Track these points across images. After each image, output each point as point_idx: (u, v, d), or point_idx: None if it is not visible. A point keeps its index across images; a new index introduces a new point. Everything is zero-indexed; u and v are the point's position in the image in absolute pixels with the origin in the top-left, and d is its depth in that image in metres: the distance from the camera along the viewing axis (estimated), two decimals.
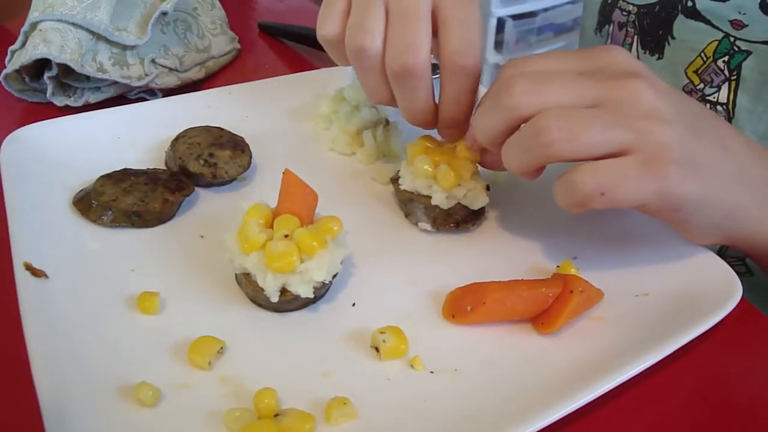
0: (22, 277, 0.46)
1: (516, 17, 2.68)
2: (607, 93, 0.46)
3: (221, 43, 0.84)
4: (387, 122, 0.64)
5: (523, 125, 0.47)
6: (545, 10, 2.72)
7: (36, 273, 0.47)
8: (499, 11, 2.60)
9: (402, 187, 0.55)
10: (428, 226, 0.55)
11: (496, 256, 0.54)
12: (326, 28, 0.56)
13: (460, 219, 0.55)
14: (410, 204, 0.55)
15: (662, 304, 0.50)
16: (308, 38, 0.86)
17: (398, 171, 0.57)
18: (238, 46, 0.86)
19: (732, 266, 0.52)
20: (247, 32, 0.91)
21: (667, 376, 0.45)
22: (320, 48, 0.82)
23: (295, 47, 0.88)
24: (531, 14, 2.70)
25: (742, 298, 0.49)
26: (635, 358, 0.44)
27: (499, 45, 2.69)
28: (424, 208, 0.54)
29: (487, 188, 0.55)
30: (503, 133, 0.48)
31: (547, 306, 0.47)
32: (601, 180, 0.45)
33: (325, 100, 0.66)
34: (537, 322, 0.47)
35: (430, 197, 0.54)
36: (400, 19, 0.51)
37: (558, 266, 0.52)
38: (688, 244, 0.53)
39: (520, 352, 0.46)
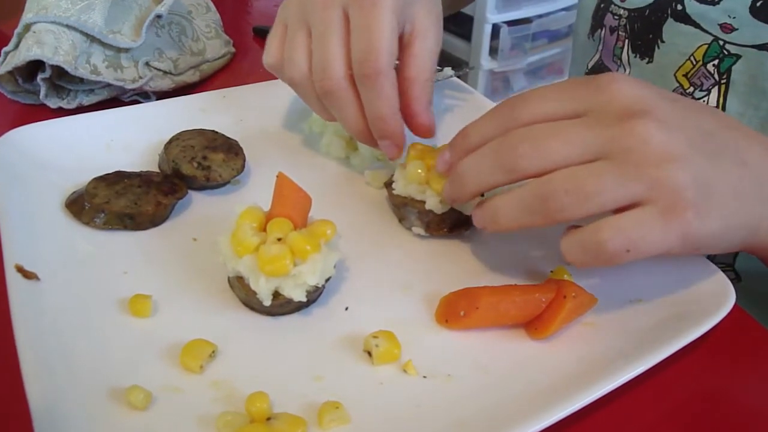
0: (13, 279, 0.46)
1: (511, 23, 2.69)
2: (613, 142, 0.44)
3: (216, 46, 0.84)
4: None
5: (524, 183, 0.46)
6: (540, 16, 2.73)
7: (27, 275, 0.47)
8: (494, 17, 2.61)
9: (395, 192, 0.55)
10: (422, 231, 0.55)
11: (489, 261, 0.54)
12: (267, 57, 0.60)
13: (453, 224, 0.55)
14: (404, 208, 0.55)
15: (655, 310, 0.50)
16: None
17: (392, 175, 0.57)
18: (233, 49, 0.86)
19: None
20: (242, 36, 0.91)
21: (659, 382, 0.45)
22: None
23: None
24: (526, 20, 2.71)
25: (735, 304, 0.49)
26: (627, 365, 0.44)
27: (494, 51, 2.69)
28: (417, 213, 0.54)
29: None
30: (501, 184, 0.47)
31: (540, 311, 0.47)
32: (626, 238, 0.43)
33: None
34: (530, 328, 0.47)
35: (423, 202, 0.54)
36: (318, 40, 0.54)
37: (551, 271, 0.52)
38: None
39: (513, 358, 0.46)
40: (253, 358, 0.45)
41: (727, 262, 0.71)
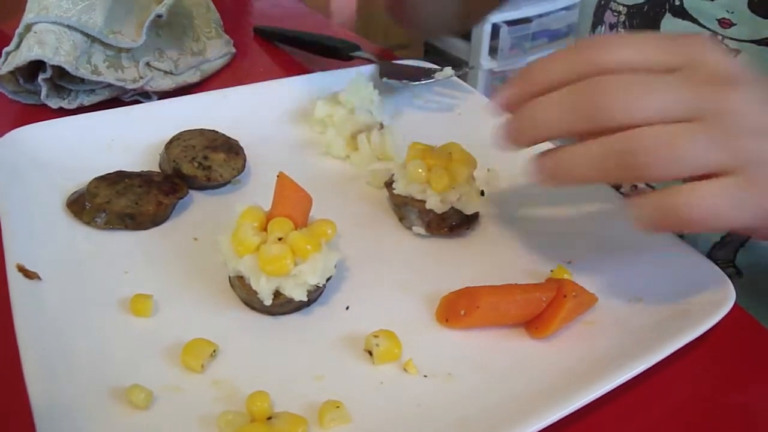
0: (14, 279, 0.46)
1: (511, 23, 2.69)
2: (709, 104, 0.42)
3: (216, 46, 0.84)
4: (381, 126, 0.64)
5: (609, 136, 0.43)
6: (540, 16, 2.73)
7: (29, 275, 0.47)
8: (494, 17, 2.61)
9: (396, 191, 0.55)
10: (422, 230, 0.55)
11: (490, 260, 0.54)
12: None
13: (454, 223, 0.55)
14: (404, 208, 0.55)
15: (655, 309, 0.50)
16: (303, 42, 0.86)
17: (392, 175, 0.57)
18: (233, 49, 0.86)
19: (722, 269, 0.52)
20: (243, 36, 0.91)
21: (660, 381, 0.46)
22: (315, 52, 0.83)
23: (290, 51, 0.87)
24: (526, 20, 2.71)
25: (735, 303, 0.49)
26: (627, 364, 0.44)
27: (493, 51, 2.70)
28: (418, 212, 0.54)
29: (482, 193, 0.55)
30: (573, 132, 0.44)
31: (540, 310, 0.47)
32: (708, 205, 0.41)
33: (320, 104, 0.66)
34: (530, 327, 0.48)
35: (424, 201, 0.54)
36: None
37: (552, 271, 0.52)
38: (681, 248, 0.53)
39: (513, 357, 0.46)
40: (254, 358, 0.45)
41: (727, 258, 0.71)
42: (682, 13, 0.68)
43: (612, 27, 0.76)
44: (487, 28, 2.62)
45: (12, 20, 0.93)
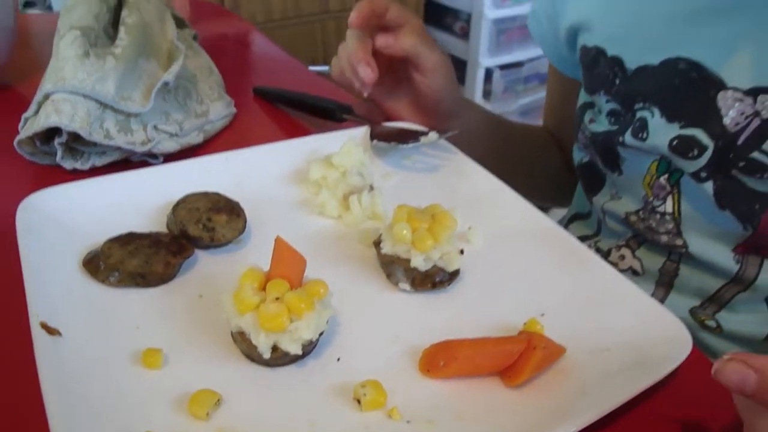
0: (38, 335, 0.51)
1: (503, 67, 2.77)
2: None
3: (218, 107, 0.89)
4: (371, 188, 0.70)
5: None
6: (531, 60, 2.81)
7: (51, 331, 0.52)
8: (487, 61, 2.68)
9: (383, 251, 0.61)
10: (407, 287, 0.60)
11: (469, 314, 0.59)
12: None
13: (436, 280, 0.60)
14: (391, 266, 0.60)
15: (621, 358, 0.55)
16: (298, 103, 0.92)
17: (380, 235, 0.62)
18: (234, 110, 0.92)
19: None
20: (243, 96, 0.97)
21: (627, 423, 0.50)
22: (310, 113, 0.89)
23: (287, 111, 0.93)
24: (517, 64, 2.79)
25: (694, 349, 0.54)
26: (593, 408, 0.49)
27: (487, 94, 2.77)
28: (403, 270, 0.60)
29: (461, 252, 0.61)
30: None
31: (512, 361, 0.52)
32: None
33: (315, 167, 0.71)
34: (504, 376, 0.52)
35: (409, 260, 0.59)
36: None
37: (525, 323, 0.57)
38: (644, 301, 0.58)
39: (488, 404, 0.51)
40: (255, 406, 0.50)
41: (710, 313, 0.77)
42: (628, 147, 0.77)
43: (585, 146, 0.85)
44: (480, 73, 2.70)
45: (27, 80, 1.00)
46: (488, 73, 2.74)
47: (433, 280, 0.60)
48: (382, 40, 0.78)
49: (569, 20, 0.85)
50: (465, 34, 2.69)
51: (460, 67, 2.74)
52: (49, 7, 2.91)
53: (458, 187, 0.73)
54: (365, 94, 0.79)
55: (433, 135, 0.77)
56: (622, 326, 0.57)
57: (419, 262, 0.59)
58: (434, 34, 2.79)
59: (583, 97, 0.86)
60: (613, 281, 0.61)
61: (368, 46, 0.78)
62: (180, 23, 1.06)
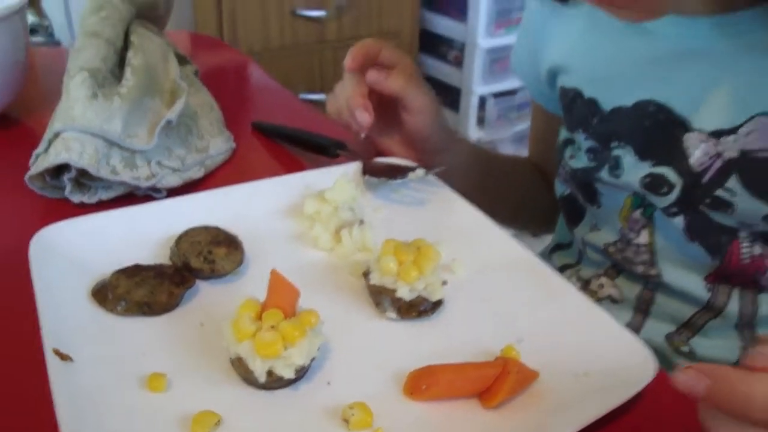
0: (51, 361, 0.55)
1: (497, 95, 2.82)
2: None
3: (218, 143, 0.94)
4: (362, 222, 0.74)
5: None
6: (524, 88, 2.86)
7: (63, 357, 0.56)
8: (481, 89, 2.74)
9: (372, 282, 0.65)
10: (394, 315, 0.64)
11: (451, 340, 0.63)
12: None
13: (421, 309, 0.64)
14: (379, 296, 0.65)
15: (592, 381, 0.59)
16: (294, 138, 0.96)
17: (369, 266, 0.67)
18: (234, 144, 0.96)
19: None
20: (241, 130, 1.01)
21: None
22: (305, 148, 0.94)
23: (284, 145, 0.98)
24: (511, 92, 2.85)
25: (664, 373, 0.58)
26: (564, 427, 0.53)
27: (481, 121, 2.82)
28: (390, 300, 0.64)
29: (444, 283, 0.65)
30: None
31: (489, 384, 0.56)
32: None
33: (309, 202, 0.76)
34: (482, 398, 0.57)
35: (395, 290, 0.63)
36: None
37: (502, 349, 0.61)
38: (614, 329, 0.63)
39: (467, 424, 0.55)
40: (252, 426, 0.54)
41: (684, 339, 0.82)
42: (604, 183, 0.83)
43: (566, 180, 0.90)
44: (474, 100, 2.75)
45: (34, 114, 1.05)
46: (482, 101, 2.80)
47: (418, 309, 0.64)
48: (374, 76, 0.83)
49: (549, 62, 0.90)
50: (459, 63, 2.75)
51: (454, 94, 2.80)
52: (51, 35, 2.98)
53: (444, 221, 0.78)
54: (362, 135, 0.84)
55: (420, 171, 0.81)
56: (594, 352, 0.61)
57: (405, 293, 0.63)
58: (429, 62, 2.85)
59: (564, 134, 0.90)
60: (585, 310, 0.65)
61: (364, 90, 0.83)
62: (182, 60, 1.11)
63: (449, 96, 2.82)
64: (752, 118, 0.69)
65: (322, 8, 2.34)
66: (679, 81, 0.74)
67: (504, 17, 2.66)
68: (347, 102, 0.83)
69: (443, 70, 2.81)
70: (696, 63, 0.73)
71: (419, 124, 0.86)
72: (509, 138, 2.89)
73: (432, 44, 2.83)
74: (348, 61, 0.83)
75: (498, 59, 2.71)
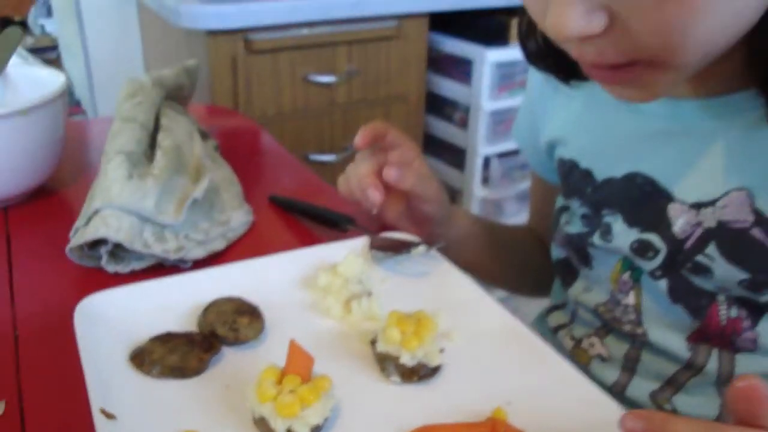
0: (98, 419, 0.63)
1: (501, 155, 2.91)
2: None
3: (239, 216, 1.03)
4: (370, 294, 0.83)
5: None
6: None
7: (108, 416, 0.64)
8: (485, 150, 2.82)
9: (378, 349, 0.73)
10: (398, 379, 0.72)
11: (448, 402, 0.71)
12: None
13: (421, 374, 0.72)
14: (384, 362, 0.73)
15: None
16: (308, 212, 1.06)
17: (376, 335, 0.75)
18: (253, 218, 1.05)
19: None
20: (260, 203, 1.10)
21: None
22: (318, 222, 1.02)
23: (299, 218, 1.07)
24: (514, 152, 2.93)
25: None
26: None
27: (486, 180, 2.91)
28: (394, 366, 0.72)
29: (441, 350, 0.74)
30: None
31: None
32: None
33: (322, 275, 0.85)
34: None
35: (399, 357, 0.72)
36: None
37: (493, 411, 0.69)
38: (593, 391, 0.70)
39: None
40: None
41: (667, 396, 0.89)
42: (596, 247, 0.91)
43: (562, 244, 0.99)
44: (479, 161, 2.84)
45: (74, 186, 1.14)
46: (486, 161, 2.87)
47: (419, 374, 0.72)
48: (390, 175, 0.92)
49: (548, 135, 0.99)
50: (464, 124, 2.84)
51: (460, 154, 2.89)
52: (71, 94, 3.10)
53: (443, 292, 0.86)
54: (373, 212, 0.93)
55: (422, 248, 0.90)
56: (574, 413, 0.69)
57: (407, 359, 0.71)
58: (435, 123, 2.94)
59: (560, 201, 0.99)
60: (569, 376, 0.72)
61: (375, 170, 0.92)
62: (204, 136, 1.21)
63: (455, 156, 2.92)
64: (727, 192, 0.78)
65: (333, 74, 2.44)
66: (665, 156, 0.83)
67: (507, 81, 2.76)
68: (359, 182, 0.92)
69: (449, 131, 2.91)
70: (680, 141, 0.82)
71: (429, 210, 0.96)
72: (513, 196, 2.97)
73: (438, 106, 2.93)
74: (358, 141, 0.92)
75: (501, 121, 2.80)
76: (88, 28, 2.94)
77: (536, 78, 1.04)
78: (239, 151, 1.32)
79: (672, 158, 0.82)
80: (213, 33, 2.20)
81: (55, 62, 4.11)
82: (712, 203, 0.79)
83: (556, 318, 1.06)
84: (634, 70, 0.65)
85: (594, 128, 0.92)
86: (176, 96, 1.18)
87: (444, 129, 2.91)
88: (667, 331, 0.86)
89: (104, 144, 1.03)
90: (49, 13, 4.16)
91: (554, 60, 0.86)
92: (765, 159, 0.76)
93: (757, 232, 0.76)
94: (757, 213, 0.76)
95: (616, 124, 0.89)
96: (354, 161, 0.95)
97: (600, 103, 0.91)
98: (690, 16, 0.58)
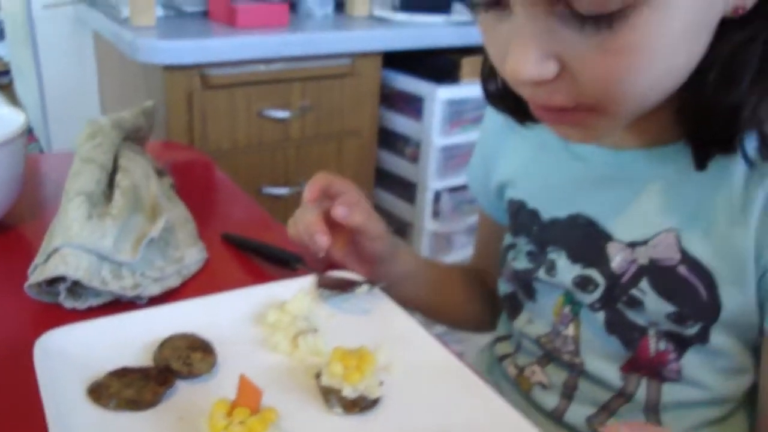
0: None
1: (451, 189, 2.98)
2: None
3: (193, 253, 1.08)
4: (315, 330, 0.88)
5: None
6: None
7: None
8: (435, 184, 2.90)
9: (322, 383, 0.79)
10: (340, 411, 0.77)
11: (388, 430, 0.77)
12: None
13: (362, 405, 0.78)
14: (328, 395, 0.78)
15: None
16: (259, 251, 1.11)
17: (320, 370, 0.81)
18: (206, 255, 1.10)
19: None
20: (213, 241, 1.15)
21: None
22: (268, 260, 1.08)
23: (250, 256, 1.12)
24: (464, 187, 3.01)
25: None
26: None
27: (436, 214, 2.97)
28: (337, 398, 0.77)
29: (381, 383, 0.79)
30: None
31: None
32: None
33: (271, 312, 0.90)
34: None
35: (341, 390, 0.77)
36: None
37: None
38: (521, 424, 0.77)
39: None
40: None
41: (602, 421, 0.96)
42: (543, 282, 0.98)
43: (509, 279, 1.06)
44: (429, 195, 2.91)
45: (31, 221, 1.18)
46: (437, 195, 2.94)
47: (360, 405, 0.78)
48: (338, 213, 0.98)
49: (499, 178, 1.08)
50: (415, 159, 2.91)
51: (411, 188, 2.96)
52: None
53: (384, 328, 0.92)
54: (320, 255, 0.99)
55: (365, 286, 0.96)
56: None
57: (349, 392, 0.77)
58: (387, 158, 3.01)
59: (508, 239, 1.07)
60: (501, 409, 0.78)
61: (321, 217, 0.99)
62: (160, 173, 1.26)
63: (406, 190, 2.98)
64: (658, 233, 0.86)
65: (287, 109, 2.49)
66: (605, 200, 0.92)
67: (457, 118, 2.84)
68: (306, 228, 0.98)
69: (401, 166, 2.97)
70: (619, 186, 0.90)
71: (376, 248, 1.02)
72: (463, 230, 3.04)
73: (390, 141, 2.99)
74: (307, 195, 0.98)
75: (452, 156, 2.87)
76: (42, 55, 2.95)
77: (491, 124, 1.13)
78: (193, 188, 1.37)
79: (611, 201, 0.91)
80: (170, 67, 2.25)
81: (8, 87, 4.10)
82: (645, 242, 0.87)
83: (502, 348, 1.13)
84: (578, 113, 0.73)
85: (542, 172, 1.00)
86: (134, 137, 1.23)
87: (396, 163, 2.98)
88: (603, 361, 0.94)
89: (60, 179, 1.07)
90: (1, 35, 4.15)
91: (512, 102, 0.93)
92: (690, 204, 0.85)
93: (683, 270, 0.85)
94: (683, 252, 0.85)
95: (562, 170, 0.97)
96: (301, 206, 1.01)
97: (549, 150, 0.99)
98: (627, 72, 0.67)
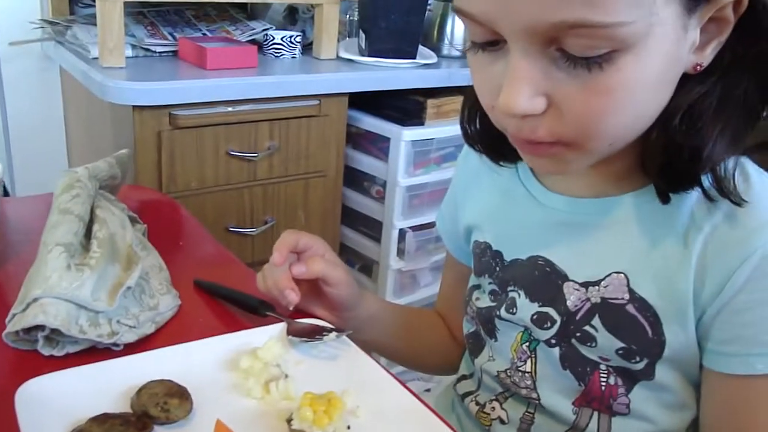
0: None
1: (415, 228, 3.03)
2: None
3: (167, 300, 1.12)
4: (286, 376, 0.93)
5: None
6: None
7: None
8: (401, 223, 2.94)
9: (293, 427, 0.83)
10: None
11: None
12: None
13: None
14: None
15: None
16: (230, 298, 1.15)
17: (291, 414, 0.85)
18: (179, 301, 1.14)
19: None
20: (185, 287, 1.18)
21: None
22: (239, 307, 1.12)
23: (222, 302, 1.17)
24: (429, 225, 3.07)
25: None
26: None
27: (401, 252, 3.02)
28: None
29: (348, 427, 0.84)
30: None
31: None
32: None
33: (244, 358, 0.94)
34: None
35: None
36: None
37: None
38: None
39: None
40: None
41: None
42: (503, 319, 1.04)
43: (472, 318, 1.14)
44: (395, 233, 2.96)
45: (5, 265, 1.20)
46: (402, 234, 2.98)
47: None
48: (298, 271, 1.06)
49: (466, 221, 1.15)
50: (381, 198, 2.96)
51: (376, 227, 3.00)
52: None
53: (351, 373, 0.97)
54: (290, 308, 1.04)
55: (333, 335, 1.01)
56: None
57: None
58: (353, 197, 3.05)
59: (472, 280, 1.14)
60: None
61: (289, 274, 1.06)
62: (133, 220, 1.30)
63: (372, 228, 3.02)
64: (609, 275, 0.94)
65: (254, 150, 2.53)
66: (562, 243, 0.99)
67: (422, 158, 2.90)
68: (275, 284, 1.04)
69: (366, 205, 3.02)
70: (575, 231, 0.98)
71: (339, 294, 1.08)
72: (427, 267, 3.09)
73: (356, 180, 3.03)
74: (275, 258, 1.05)
75: (417, 195, 2.93)
76: (7, 93, 2.96)
77: (463, 170, 1.21)
78: (162, 231, 1.40)
79: (568, 245, 0.98)
80: (139, 108, 2.28)
81: None
82: (597, 283, 0.94)
83: (465, 386, 1.19)
84: (555, 147, 0.81)
85: (507, 217, 1.08)
86: (109, 186, 1.27)
87: (361, 202, 3.03)
88: (557, 396, 1.00)
89: (29, 225, 1.10)
90: None
91: (489, 142, 1.02)
92: (637, 249, 0.92)
93: (631, 308, 0.92)
94: (632, 292, 0.92)
95: (525, 215, 1.04)
96: (270, 262, 1.06)
97: (514, 197, 1.07)
98: (607, 111, 0.74)
